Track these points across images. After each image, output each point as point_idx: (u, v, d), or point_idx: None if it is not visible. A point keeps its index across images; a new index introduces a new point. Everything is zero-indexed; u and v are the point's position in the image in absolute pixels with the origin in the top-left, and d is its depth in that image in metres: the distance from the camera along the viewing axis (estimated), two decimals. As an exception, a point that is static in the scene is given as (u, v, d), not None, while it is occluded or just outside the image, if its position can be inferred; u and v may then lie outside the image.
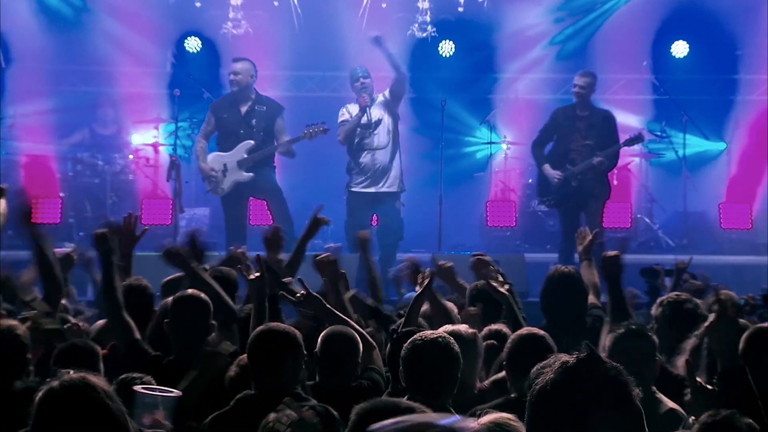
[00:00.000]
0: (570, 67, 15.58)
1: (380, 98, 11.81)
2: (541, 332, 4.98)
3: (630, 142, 12.00)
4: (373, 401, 3.20)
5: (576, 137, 11.57)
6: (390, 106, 11.80)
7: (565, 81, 15.69)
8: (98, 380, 2.87)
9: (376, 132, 11.74)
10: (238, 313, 5.91)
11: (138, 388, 3.50)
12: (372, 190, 11.75)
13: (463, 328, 5.20)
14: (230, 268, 6.67)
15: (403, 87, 11.90)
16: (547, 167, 11.71)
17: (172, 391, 3.71)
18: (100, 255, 5.70)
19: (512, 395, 4.75)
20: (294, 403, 4.17)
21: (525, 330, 5.05)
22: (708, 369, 4.86)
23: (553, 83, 15.80)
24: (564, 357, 3.93)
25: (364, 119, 11.69)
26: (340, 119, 11.83)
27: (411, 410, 3.06)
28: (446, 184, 12.96)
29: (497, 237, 14.66)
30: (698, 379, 3.94)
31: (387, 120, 11.77)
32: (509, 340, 4.98)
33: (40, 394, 2.85)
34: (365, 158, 11.75)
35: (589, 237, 7.17)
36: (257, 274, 5.63)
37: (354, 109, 11.79)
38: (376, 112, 11.73)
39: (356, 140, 11.76)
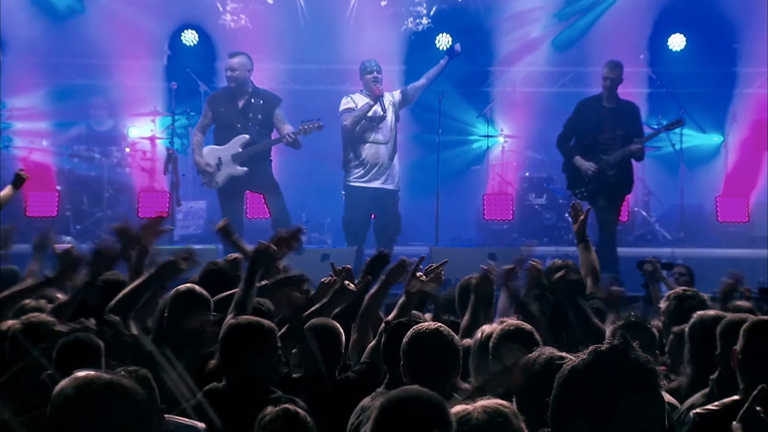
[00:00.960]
0: (567, 60, 15.61)
1: (388, 96, 11.85)
2: (528, 326, 4.95)
3: (670, 126, 11.89)
4: (395, 392, 3.12)
5: (604, 129, 11.38)
6: (396, 106, 11.85)
7: (562, 74, 15.71)
8: (130, 382, 2.88)
9: (380, 126, 11.76)
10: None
11: (167, 416, 3.48)
12: (372, 185, 11.76)
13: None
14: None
15: (416, 97, 11.98)
16: (579, 159, 11.42)
17: (197, 425, 3.70)
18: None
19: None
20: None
21: (512, 324, 4.96)
22: (692, 358, 4.86)
23: (550, 76, 15.80)
24: (549, 350, 3.95)
25: (372, 111, 11.70)
26: (344, 107, 11.81)
27: (436, 400, 3.04)
28: (443, 178, 12.97)
29: (494, 230, 14.66)
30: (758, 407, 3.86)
31: (391, 117, 11.81)
32: (494, 335, 4.93)
33: (68, 387, 2.82)
34: (367, 151, 11.76)
35: (582, 215, 7.10)
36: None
37: (359, 98, 11.80)
38: (380, 110, 11.77)
39: (359, 132, 11.76)
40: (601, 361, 2.56)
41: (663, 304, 6.05)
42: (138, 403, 2.84)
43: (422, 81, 11.92)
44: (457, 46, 12.05)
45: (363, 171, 11.75)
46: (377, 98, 11.67)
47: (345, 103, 11.83)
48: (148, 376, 3.75)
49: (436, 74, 11.89)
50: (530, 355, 4.01)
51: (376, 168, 11.75)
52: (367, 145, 11.76)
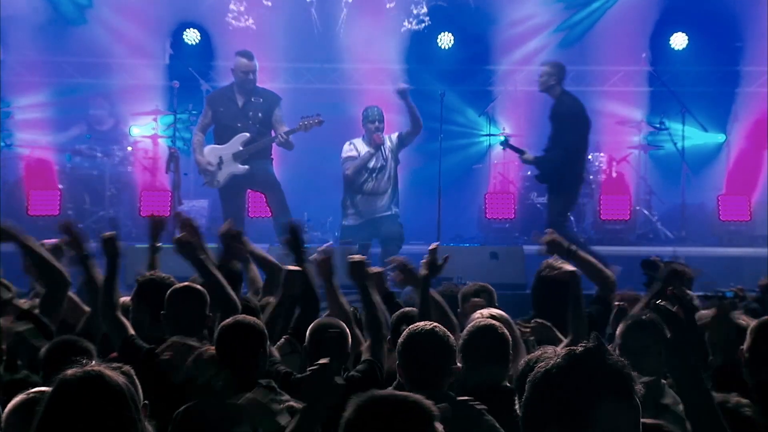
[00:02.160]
0: (569, 59, 15.55)
1: (386, 141, 11.88)
2: (497, 323, 4.91)
3: (516, 150, 12.21)
4: (370, 394, 2.94)
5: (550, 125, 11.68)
6: (394, 150, 11.87)
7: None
8: (114, 374, 2.87)
9: (379, 176, 11.83)
10: (255, 305, 5.93)
11: None
12: (365, 219, 11.80)
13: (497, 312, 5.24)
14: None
15: (413, 138, 11.96)
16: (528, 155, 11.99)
17: None
18: (108, 258, 5.68)
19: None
20: None
21: (481, 321, 4.94)
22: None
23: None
24: (551, 349, 3.94)
25: (372, 161, 11.74)
26: (346, 154, 11.88)
27: (414, 403, 2.98)
28: (445, 177, 12.96)
29: (496, 229, 14.64)
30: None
31: (390, 165, 11.85)
32: (465, 331, 4.88)
33: (54, 383, 2.84)
34: (365, 202, 11.81)
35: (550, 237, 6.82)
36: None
37: (360, 145, 11.87)
38: (381, 159, 11.82)
39: (359, 182, 11.82)
40: (576, 365, 2.49)
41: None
42: (117, 393, 2.82)
43: (411, 125, 11.90)
44: (402, 86, 12.01)
45: (358, 217, 11.76)
46: (378, 147, 11.72)
47: (347, 150, 11.90)
48: (130, 373, 3.76)
49: (411, 113, 11.84)
50: (532, 354, 4.01)
51: (372, 213, 11.80)
52: (366, 196, 11.83)
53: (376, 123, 11.79)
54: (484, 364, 4.64)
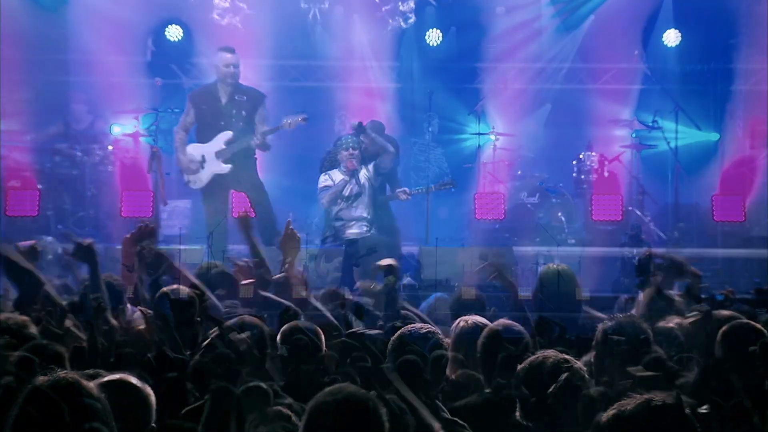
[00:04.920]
0: (560, 57, 15.49)
1: (363, 172, 11.71)
2: (518, 327, 4.94)
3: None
4: (327, 392, 3.09)
5: None
6: (371, 179, 11.72)
7: (555, 71, 15.61)
8: (86, 383, 2.88)
9: (356, 204, 11.66)
10: None
11: None
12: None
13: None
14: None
15: (389, 164, 11.88)
16: None
17: None
18: (90, 265, 5.93)
19: (487, 391, 4.61)
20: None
21: (498, 324, 4.95)
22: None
23: (542, 73, 15.65)
24: (553, 353, 3.80)
25: (347, 189, 11.57)
26: (321, 185, 11.77)
27: (368, 400, 3.01)
28: (434, 177, 12.82)
29: (485, 229, 14.46)
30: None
31: (367, 192, 11.70)
32: (482, 335, 4.87)
33: (25, 390, 2.86)
34: (341, 229, 11.70)
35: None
36: None
37: (336, 175, 11.75)
38: (356, 186, 11.65)
39: (337, 211, 11.65)
40: (654, 417, 2.60)
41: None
42: (93, 411, 2.82)
43: (383, 154, 11.78)
44: (354, 122, 11.96)
45: (335, 240, 11.62)
46: (352, 173, 11.56)
47: (323, 180, 11.90)
48: (101, 374, 3.67)
49: (376, 144, 11.83)
50: (532, 358, 3.93)
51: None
52: (344, 222, 11.70)
53: (350, 150, 11.66)
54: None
